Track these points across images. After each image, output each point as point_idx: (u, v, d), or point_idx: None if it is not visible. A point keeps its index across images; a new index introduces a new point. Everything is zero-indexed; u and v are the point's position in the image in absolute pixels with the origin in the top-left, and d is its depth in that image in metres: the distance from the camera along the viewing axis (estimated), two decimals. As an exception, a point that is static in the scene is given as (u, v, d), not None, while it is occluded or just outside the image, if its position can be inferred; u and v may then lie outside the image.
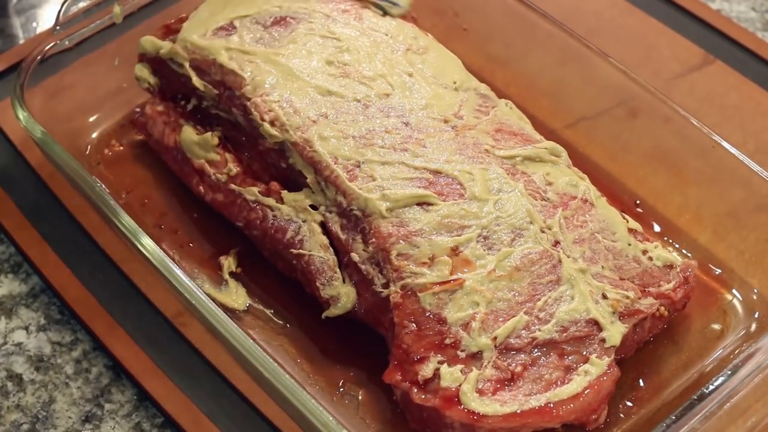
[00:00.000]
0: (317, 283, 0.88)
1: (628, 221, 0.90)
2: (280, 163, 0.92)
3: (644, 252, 0.87)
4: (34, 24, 1.22)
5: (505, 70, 1.09)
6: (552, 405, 0.77)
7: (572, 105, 1.05)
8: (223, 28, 0.98)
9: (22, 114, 0.94)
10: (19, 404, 0.90)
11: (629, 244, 0.87)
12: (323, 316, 0.88)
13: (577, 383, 0.79)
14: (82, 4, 1.02)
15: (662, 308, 0.85)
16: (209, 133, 0.96)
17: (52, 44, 1.00)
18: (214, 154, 0.96)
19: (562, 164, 0.91)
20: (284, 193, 0.91)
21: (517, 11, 1.06)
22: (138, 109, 1.05)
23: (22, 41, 1.19)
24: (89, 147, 1.04)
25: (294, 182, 0.92)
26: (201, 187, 0.96)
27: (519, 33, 1.07)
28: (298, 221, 0.90)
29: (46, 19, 1.22)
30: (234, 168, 0.94)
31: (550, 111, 1.06)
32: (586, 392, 0.78)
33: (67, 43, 1.01)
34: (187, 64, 0.97)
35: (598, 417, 0.80)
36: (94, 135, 1.05)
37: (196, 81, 0.96)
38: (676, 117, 0.96)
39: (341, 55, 0.96)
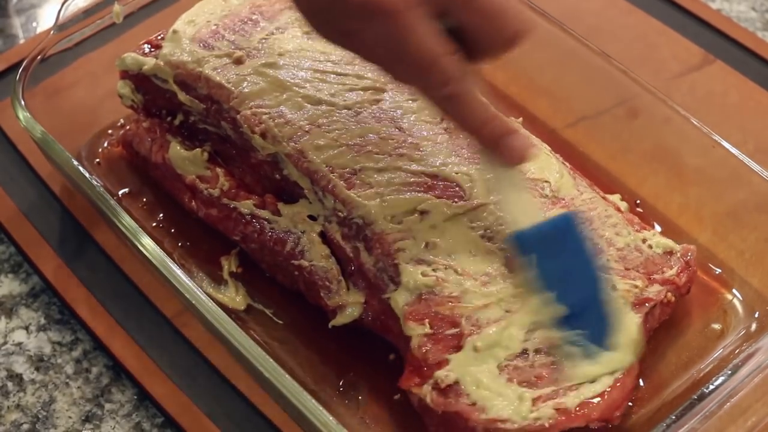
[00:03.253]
0: (322, 293, 0.87)
1: (623, 212, 0.90)
2: (274, 175, 0.92)
3: (644, 240, 0.87)
4: (34, 24, 1.22)
5: (505, 69, 1.09)
6: (579, 405, 0.77)
7: (572, 105, 1.05)
8: (206, 41, 0.97)
9: (22, 114, 0.94)
10: (19, 404, 0.90)
11: (629, 234, 0.87)
12: (330, 325, 0.87)
13: (600, 381, 0.78)
14: (82, 4, 1.02)
15: (669, 294, 0.85)
16: (198, 149, 0.95)
17: (52, 44, 1.00)
18: (204, 170, 0.95)
19: (554, 161, 0.91)
20: (281, 204, 0.90)
21: (516, 11, 1.05)
22: (122, 124, 1.04)
23: (22, 41, 1.19)
24: (89, 147, 1.04)
25: (289, 193, 0.91)
26: (193, 203, 0.95)
27: (519, 33, 1.07)
28: (297, 232, 0.89)
29: (46, 18, 1.22)
30: (226, 182, 0.93)
31: (549, 111, 1.06)
32: (610, 389, 0.78)
33: (67, 43, 1.01)
34: (171, 80, 0.95)
35: (621, 413, 0.79)
36: (94, 135, 1.05)
37: (182, 96, 0.95)
38: (676, 117, 0.96)
39: (328, 63, 0.95)
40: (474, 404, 0.77)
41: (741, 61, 1.11)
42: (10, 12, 1.23)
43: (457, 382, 0.78)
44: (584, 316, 0.76)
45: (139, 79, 0.99)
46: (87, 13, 1.02)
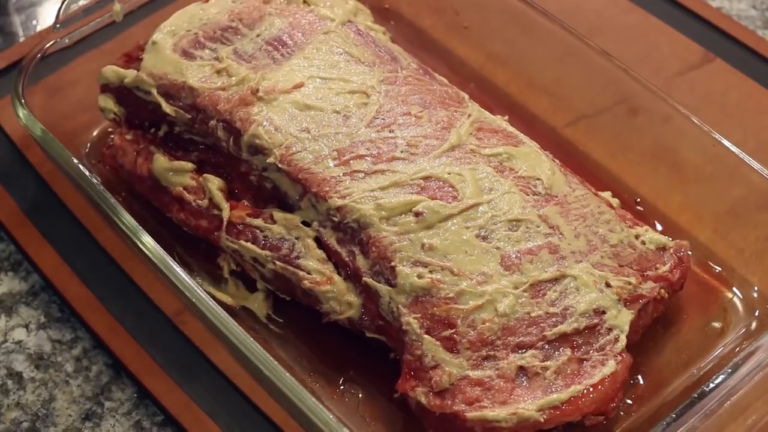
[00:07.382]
0: (320, 298, 0.87)
1: (615, 208, 0.90)
2: (264, 183, 0.91)
3: (636, 237, 0.88)
4: (34, 22, 1.22)
5: (506, 68, 1.09)
6: (572, 399, 0.77)
7: (573, 103, 1.05)
8: (188, 50, 0.96)
9: (22, 112, 0.94)
10: (20, 402, 0.90)
11: (622, 230, 0.87)
12: (324, 320, 0.87)
13: (593, 374, 0.79)
14: (82, 2, 1.02)
15: (662, 290, 0.85)
16: (181, 161, 0.94)
17: (52, 42, 1.00)
18: (189, 180, 0.93)
19: (545, 158, 0.91)
20: (275, 212, 0.89)
21: (517, 9, 1.06)
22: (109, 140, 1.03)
23: (22, 39, 1.19)
24: (89, 145, 1.04)
25: (281, 200, 0.91)
26: (182, 215, 0.94)
27: (519, 31, 1.07)
28: (291, 239, 0.88)
29: (46, 17, 1.22)
30: (215, 192, 0.92)
31: (550, 109, 1.06)
32: (603, 382, 0.78)
33: (67, 41, 1.01)
34: (154, 91, 0.95)
35: (616, 405, 0.80)
36: (94, 133, 1.05)
37: (167, 107, 0.94)
38: (677, 115, 0.96)
39: (312, 68, 0.94)
40: (471, 403, 0.77)
41: (741, 60, 1.12)
42: (10, 10, 1.23)
43: (453, 384, 0.78)
44: None
45: (121, 92, 0.98)
46: (87, 11, 1.02)
